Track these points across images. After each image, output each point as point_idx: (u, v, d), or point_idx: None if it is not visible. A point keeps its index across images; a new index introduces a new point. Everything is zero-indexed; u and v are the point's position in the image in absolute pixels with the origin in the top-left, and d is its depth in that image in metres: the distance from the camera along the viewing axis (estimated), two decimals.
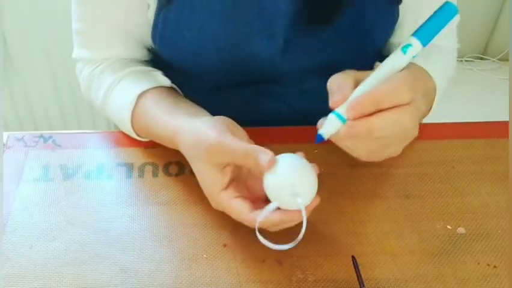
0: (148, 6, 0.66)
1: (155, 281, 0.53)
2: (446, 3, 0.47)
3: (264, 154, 0.50)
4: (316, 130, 0.50)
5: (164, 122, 0.61)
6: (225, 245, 0.56)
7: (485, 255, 0.56)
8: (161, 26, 0.65)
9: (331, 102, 0.48)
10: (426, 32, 0.48)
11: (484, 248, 0.57)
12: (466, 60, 2.16)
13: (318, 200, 0.51)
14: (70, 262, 0.54)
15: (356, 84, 0.49)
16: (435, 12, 0.48)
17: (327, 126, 0.49)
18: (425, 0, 0.62)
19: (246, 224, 0.52)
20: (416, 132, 0.49)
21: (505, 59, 2.18)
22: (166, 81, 0.68)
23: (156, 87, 0.66)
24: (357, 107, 0.46)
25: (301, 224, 0.50)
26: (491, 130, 0.71)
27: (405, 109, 0.46)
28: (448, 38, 0.75)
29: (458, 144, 0.69)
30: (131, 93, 0.65)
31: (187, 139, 0.57)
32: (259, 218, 0.50)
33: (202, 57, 0.67)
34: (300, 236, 0.50)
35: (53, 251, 0.55)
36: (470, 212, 0.61)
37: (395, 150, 0.50)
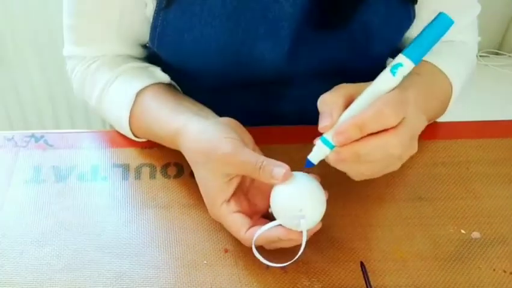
0: (146, 4, 0.65)
1: None
2: (440, 14, 0.46)
3: (279, 168, 0.51)
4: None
5: (165, 121, 0.61)
6: (226, 251, 0.56)
7: (501, 261, 0.55)
8: (160, 28, 0.65)
9: (320, 127, 0.50)
10: (418, 48, 0.47)
11: (499, 254, 0.56)
12: (481, 56, 2.18)
13: (319, 226, 0.52)
14: (62, 268, 0.54)
15: (348, 101, 0.50)
16: (428, 25, 0.47)
17: (316, 153, 0.51)
18: None
19: (243, 242, 0.53)
20: (413, 151, 0.50)
21: None
22: (164, 78, 0.68)
23: (154, 83, 0.65)
24: (342, 134, 0.48)
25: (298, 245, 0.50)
26: (508, 129, 0.71)
27: (392, 133, 0.47)
28: (467, 31, 0.73)
29: (473, 144, 0.68)
30: (129, 90, 0.64)
31: (192, 141, 0.56)
32: (257, 232, 0.51)
33: (202, 59, 0.67)
34: (297, 256, 0.50)
35: (44, 257, 0.55)
36: (486, 216, 0.60)
37: (392, 168, 0.51)
